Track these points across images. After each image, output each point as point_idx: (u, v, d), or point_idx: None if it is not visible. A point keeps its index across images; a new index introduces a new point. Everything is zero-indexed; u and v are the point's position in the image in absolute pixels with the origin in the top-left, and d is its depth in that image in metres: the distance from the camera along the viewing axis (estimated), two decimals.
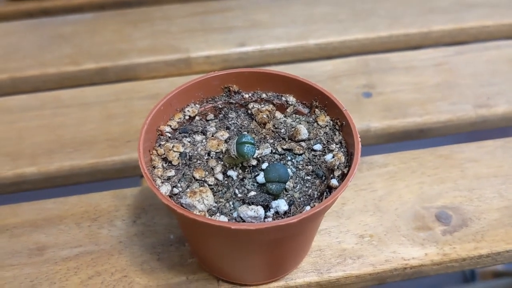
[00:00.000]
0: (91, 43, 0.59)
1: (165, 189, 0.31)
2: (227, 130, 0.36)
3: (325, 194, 0.32)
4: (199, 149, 0.34)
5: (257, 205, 0.31)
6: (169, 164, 0.33)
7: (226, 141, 0.35)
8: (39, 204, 0.41)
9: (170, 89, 0.36)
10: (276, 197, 0.32)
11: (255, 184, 0.33)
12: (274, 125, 0.36)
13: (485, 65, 0.55)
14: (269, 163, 0.33)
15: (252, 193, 0.32)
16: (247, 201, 0.31)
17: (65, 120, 0.49)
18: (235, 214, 0.31)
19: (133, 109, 0.50)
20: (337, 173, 0.32)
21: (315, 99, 0.37)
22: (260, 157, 0.34)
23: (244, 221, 0.30)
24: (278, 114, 0.37)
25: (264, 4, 0.64)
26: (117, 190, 0.42)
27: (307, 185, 0.33)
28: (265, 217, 0.31)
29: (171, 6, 0.66)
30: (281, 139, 0.35)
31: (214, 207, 0.31)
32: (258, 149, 0.34)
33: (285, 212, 0.31)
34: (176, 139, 0.35)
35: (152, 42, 0.59)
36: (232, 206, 0.31)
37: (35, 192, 0.45)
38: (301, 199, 0.32)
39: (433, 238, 0.39)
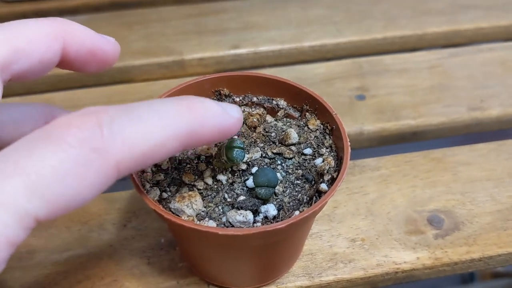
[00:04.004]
0: None
1: (153, 193, 0.31)
2: None
3: (314, 198, 0.31)
4: (189, 153, 0.34)
5: (246, 210, 0.31)
6: (158, 168, 0.33)
7: (216, 145, 0.35)
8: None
9: (164, 92, 0.36)
10: (265, 201, 0.32)
11: (245, 188, 0.32)
12: (264, 129, 0.36)
13: (479, 68, 0.55)
14: (258, 168, 0.33)
15: (242, 197, 0.32)
16: (236, 206, 0.31)
17: None
18: (224, 219, 0.31)
19: None
20: (326, 177, 0.32)
21: (305, 102, 0.36)
22: (250, 161, 0.34)
23: (233, 226, 0.30)
24: (269, 118, 0.37)
25: (258, 6, 0.64)
26: (108, 194, 0.42)
27: (296, 189, 0.33)
28: (254, 221, 0.31)
29: (166, 8, 0.66)
30: (272, 143, 0.35)
31: (203, 211, 0.31)
32: (248, 153, 0.34)
33: (274, 217, 0.31)
34: None
35: (146, 44, 0.59)
36: (221, 210, 0.31)
37: None
38: (291, 203, 0.32)
39: (425, 242, 0.39)
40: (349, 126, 0.47)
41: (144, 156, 0.21)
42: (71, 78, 0.55)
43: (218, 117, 0.24)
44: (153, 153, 0.22)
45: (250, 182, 0.32)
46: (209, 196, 0.32)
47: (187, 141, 0.23)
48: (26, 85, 0.55)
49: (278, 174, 0.33)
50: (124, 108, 0.22)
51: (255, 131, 0.36)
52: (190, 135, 0.23)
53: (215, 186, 0.32)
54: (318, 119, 0.36)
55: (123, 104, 0.22)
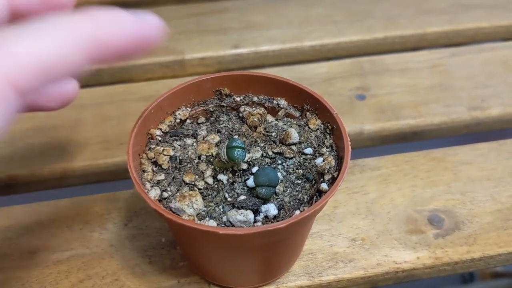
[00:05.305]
0: None
1: (154, 193, 0.31)
2: (218, 134, 0.36)
3: (315, 198, 0.32)
4: (190, 152, 0.34)
5: (246, 209, 0.31)
6: (159, 168, 0.33)
7: (217, 145, 0.35)
8: (31, 207, 0.41)
9: (165, 91, 0.36)
10: (266, 201, 0.32)
11: (245, 188, 0.33)
12: (265, 129, 0.36)
13: (480, 67, 0.55)
14: (259, 167, 0.33)
15: (242, 197, 0.32)
16: (236, 205, 0.31)
17: (59, 122, 0.49)
18: (224, 219, 0.31)
19: (127, 111, 0.50)
20: (327, 177, 0.32)
21: (306, 102, 0.37)
22: (250, 161, 0.34)
23: (233, 226, 0.30)
24: (270, 118, 0.37)
25: (259, 6, 0.64)
26: (109, 193, 0.42)
27: (297, 189, 0.33)
28: (255, 221, 0.31)
29: (167, 7, 0.66)
30: (272, 142, 0.35)
31: (203, 211, 0.31)
32: (249, 152, 0.34)
33: (275, 217, 0.31)
34: (167, 142, 0.35)
35: None
36: (221, 210, 0.31)
37: (27, 195, 0.45)
38: (291, 203, 0.32)
39: (425, 241, 0.39)
40: (349, 126, 0.47)
41: (43, 69, 0.20)
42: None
43: (130, 23, 0.22)
44: (53, 65, 0.20)
45: (250, 182, 0.32)
46: (210, 196, 0.32)
47: (94, 51, 0.21)
48: None
49: (279, 174, 0.33)
50: (12, 27, 0.20)
51: (255, 131, 0.36)
52: (96, 44, 0.21)
53: (216, 186, 0.33)
54: (318, 118, 0.36)
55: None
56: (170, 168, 0.33)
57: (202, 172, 0.33)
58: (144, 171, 0.33)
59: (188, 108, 0.37)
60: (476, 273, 0.91)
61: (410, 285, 0.41)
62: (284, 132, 0.35)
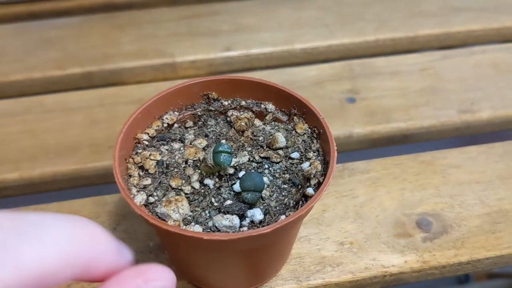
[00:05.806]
0: (77, 47, 0.59)
1: (140, 198, 0.31)
2: (206, 138, 0.36)
3: (301, 203, 0.32)
4: (177, 157, 0.34)
5: (232, 214, 0.31)
6: (146, 172, 0.33)
7: (204, 149, 0.35)
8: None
9: (154, 94, 0.36)
10: (251, 206, 0.32)
11: (232, 192, 0.33)
12: (252, 133, 0.36)
13: (471, 70, 0.55)
14: (245, 172, 0.33)
15: (228, 202, 0.32)
16: (223, 210, 0.31)
17: (49, 125, 0.49)
18: (210, 224, 0.31)
19: (117, 114, 0.50)
20: (313, 181, 0.32)
21: (293, 106, 0.37)
22: (237, 165, 0.34)
23: (219, 231, 0.30)
24: (257, 122, 0.37)
25: (251, 8, 0.64)
26: (98, 197, 0.42)
27: (283, 193, 0.33)
28: (241, 226, 0.31)
29: (159, 9, 0.66)
30: (259, 147, 0.35)
31: (189, 216, 0.31)
32: (236, 157, 0.34)
33: (261, 221, 0.31)
34: (154, 147, 0.35)
35: (138, 46, 0.59)
36: (208, 215, 0.31)
37: (16, 198, 0.45)
38: (277, 208, 0.32)
39: (413, 245, 0.39)
40: (339, 129, 0.48)
41: (33, 282, 0.18)
42: (63, 80, 0.55)
43: (114, 255, 0.21)
44: (43, 280, 0.18)
45: (237, 187, 0.32)
46: (196, 201, 0.32)
47: (80, 273, 0.20)
48: (19, 88, 0.55)
49: (265, 178, 0.33)
50: (18, 221, 0.18)
51: (243, 135, 0.36)
52: (87, 267, 0.20)
53: (202, 191, 0.33)
54: (306, 123, 0.36)
55: (15, 213, 0.19)
56: (157, 172, 0.33)
57: (189, 177, 0.33)
58: (130, 175, 0.33)
59: (176, 112, 0.37)
60: (471, 274, 0.91)
61: (404, 286, 0.41)
62: (271, 137, 0.35)
